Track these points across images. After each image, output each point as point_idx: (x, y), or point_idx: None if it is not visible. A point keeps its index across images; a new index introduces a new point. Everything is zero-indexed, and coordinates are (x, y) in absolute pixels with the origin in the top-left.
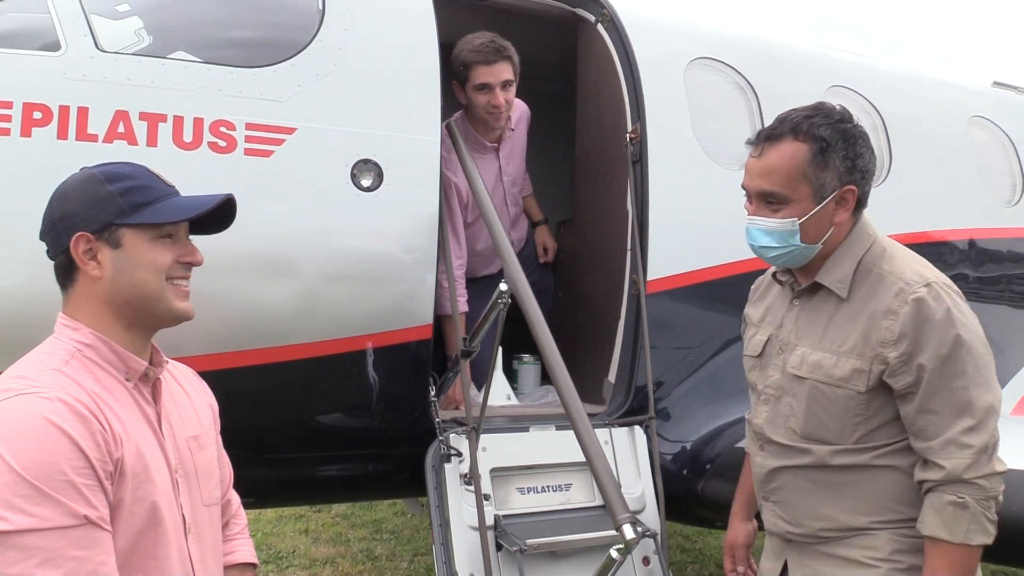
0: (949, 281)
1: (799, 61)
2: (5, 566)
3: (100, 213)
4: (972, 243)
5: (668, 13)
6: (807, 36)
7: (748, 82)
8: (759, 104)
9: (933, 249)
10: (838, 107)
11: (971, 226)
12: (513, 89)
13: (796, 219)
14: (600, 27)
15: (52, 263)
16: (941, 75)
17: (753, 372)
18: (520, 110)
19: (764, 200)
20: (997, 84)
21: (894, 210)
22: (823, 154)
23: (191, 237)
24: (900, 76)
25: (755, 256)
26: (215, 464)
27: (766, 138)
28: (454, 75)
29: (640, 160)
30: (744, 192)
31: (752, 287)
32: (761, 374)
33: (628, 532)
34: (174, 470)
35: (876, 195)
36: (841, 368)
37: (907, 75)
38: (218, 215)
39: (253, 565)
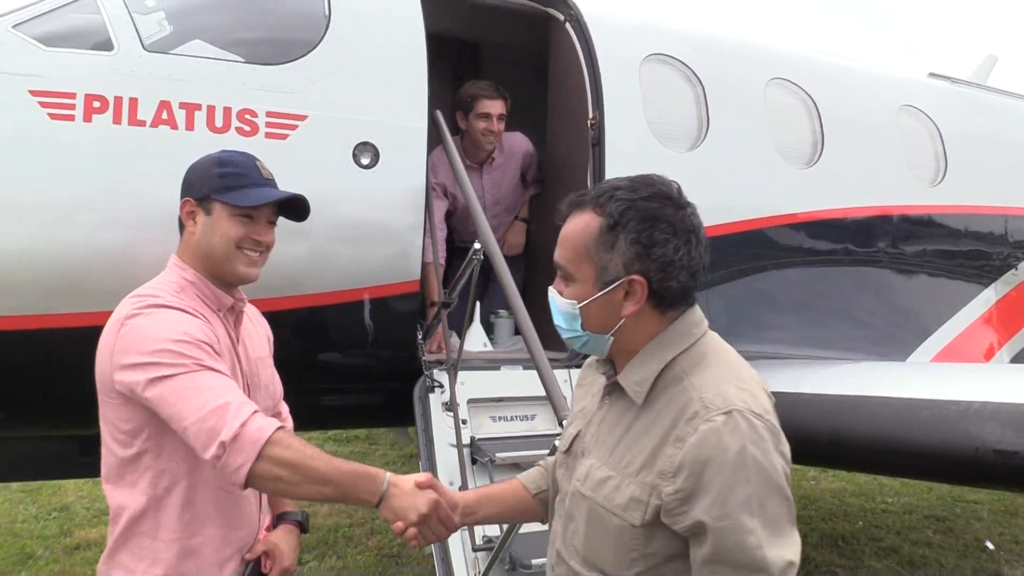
0: (765, 408)
1: (743, 55)
2: (176, 399)
3: (204, 187)
4: (896, 218)
5: (628, 12)
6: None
7: (696, 74)
8: (705, 94)
9: (859, 223)
10: (673, 184)
11: (896, 203)
12: (503, 123)
13: (576, 302)
14: (567, 25)
15: None
16: (877, 67)
17: (560, 470)
18: (523, 145)
19: (558, 272)
20: (933, 75)
21: (824, 189)
22: (610, 232)
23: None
24: (836, 68)
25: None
26: (272, 378)
27: (573, 204)
28: (458, 105)
29: (599, 143)
30: None
31: (587, 361)
32: (565, 476)
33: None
34: (247, 375)
35: (808, 176)
36: (621, 494)
37: (843, 67)
38: (297, 207)
39: None
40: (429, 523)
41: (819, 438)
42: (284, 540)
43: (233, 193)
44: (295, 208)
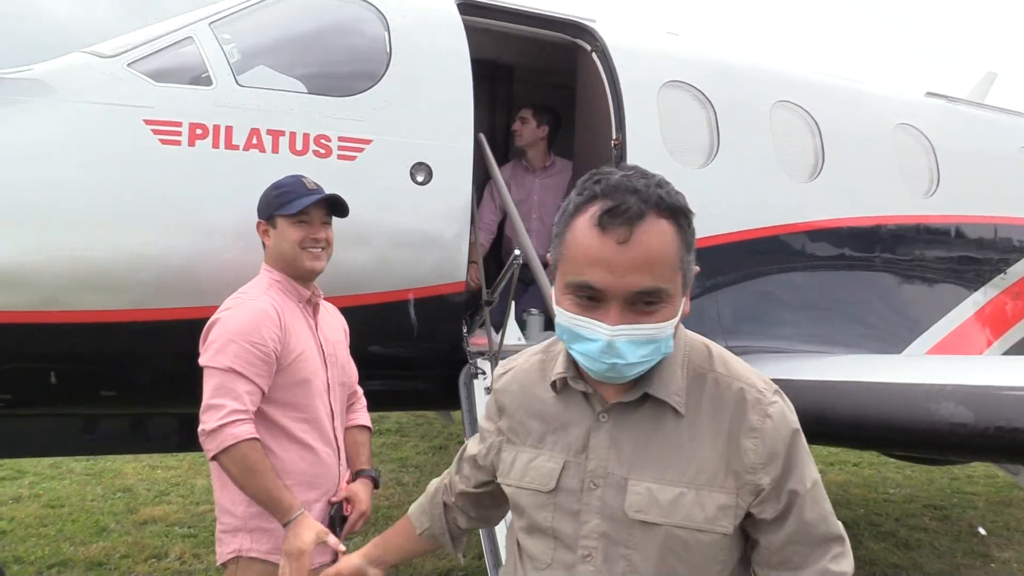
0: None
1: (750, 79)
2: (205, 386)
3: (267, 209)
4: (891, 227)
5: (648, 41)
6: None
7: (707, 98)
8: (716, 116)
9: (856, 231)
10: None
11: (891, 213)
12: (526, 125)
13: (675, 319)
14: (594, 55)
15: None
16: (876, 87)
17: (545, 513)
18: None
19: (634, 302)
20: (930, 94)
21: (823, 201)
22: (687, 230)
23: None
24: (836, 89)
25: (710, 232)
26: (347, 361)
27: (631, 217)
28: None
29: (621, 161)
30: (582, 295)
31: (500, 382)
32: (565, 519)
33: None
34: (326, 356)
35: (809, 189)
36: (705, 507)
37: (843, 88)
38: (338, 205)
39: (368, 428)
40: (301, 559)
41: (808, 417)
42: (362, 490)
43: (286, 206)
44: (338, 206)
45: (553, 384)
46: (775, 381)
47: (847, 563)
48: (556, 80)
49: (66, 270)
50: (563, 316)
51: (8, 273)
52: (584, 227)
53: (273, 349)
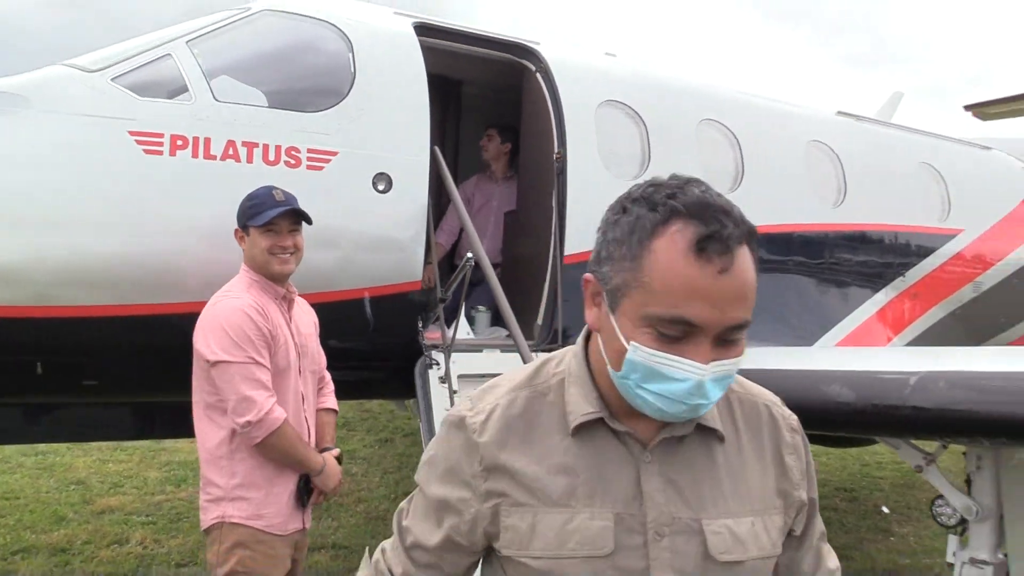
0: None
1: (679, 97)
2: (222, 385)
3: (241, 218)
4: (803, 233)
5: (588, 62)
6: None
7: (640, 116)
8: (647, 133)
9: (772, 237)
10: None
11: (803, 221)
12: (491, 141)
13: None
14: (538, 75)
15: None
16: (792, 106)
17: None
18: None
19: (723, 336)
20: (840, 113)
21: (746, 210)
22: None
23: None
24: (756, 108)
25: None
26: (317, 351)
27: (731, 244)
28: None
29: (562, 172)
30: (671, 331)
31: (485, 434)
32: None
33: None
34: (299, 346)
35: (733, 198)
36: (769, 533)
37: (762, 107)
38: (302, 214)
39: (334, 411)
40: (334, 479)
41: None
42: (336, 466)
43: (256, 217)
44: (303, 215)
45: (585, 424)
46: None
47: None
48: (503, 96)
49: (57, 268)
50: (641, 353)
51: (3, 271)
52: (675, 253)
53: (270, 335)
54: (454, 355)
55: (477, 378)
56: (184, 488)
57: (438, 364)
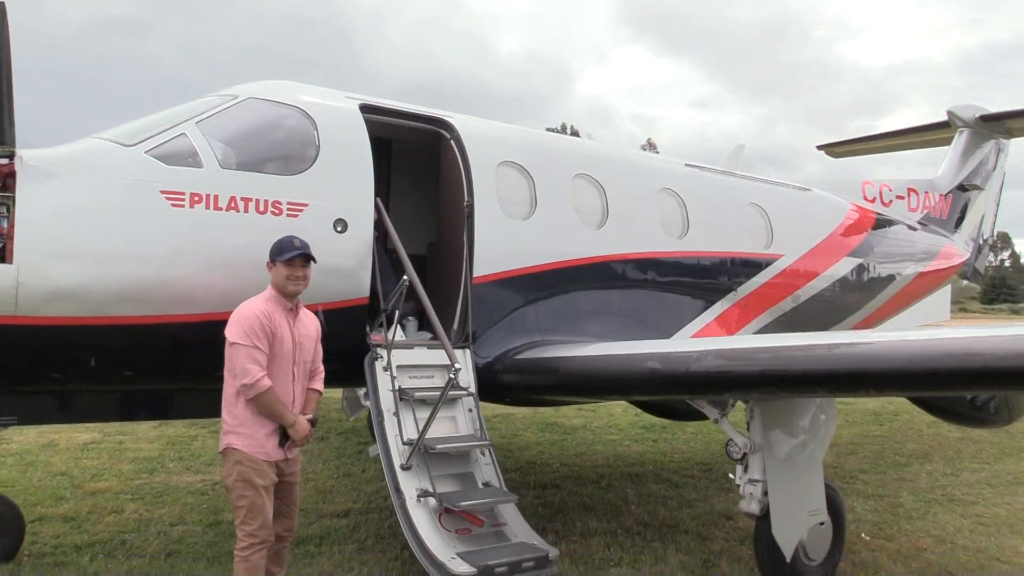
0: None
1: (558, 156)
2: (233, 358)
3: (272, 255)
4: (657, 259)
5: (489, 130)
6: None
7: (528, 172)
8: (534, 184)
9: (636, 262)
10: None
11: (655, 251)
12: None
13: None
14: (452, 141)
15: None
16: (648, 159)
17: None
18: None
19: None
20: (688, 165)
21: (608, 242)
22: None
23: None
24: (619, 161)
25: (530, 264)
26: (312, 349)
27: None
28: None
29: (470, 216)
30: None
31: None
32: None
33: (457, 361)
34: (296, 343)
35: (599, 234)
36: None
37: (623, 160)
38: (312, 257)
39: (317, 391)
40: (299, 426)
41: (582, 376)
42: (305, 424)
43: (281, 255)
44: (310, 257)
45: None
46: (576, 359)
47: None
48: (426, 155)
49: (110, 289)
50: None
51: (72, 291)
52: None
53: (270, 332)
54: (393, 351)
55: (410, 367)
56: (157, 475)
57: (381, 358)
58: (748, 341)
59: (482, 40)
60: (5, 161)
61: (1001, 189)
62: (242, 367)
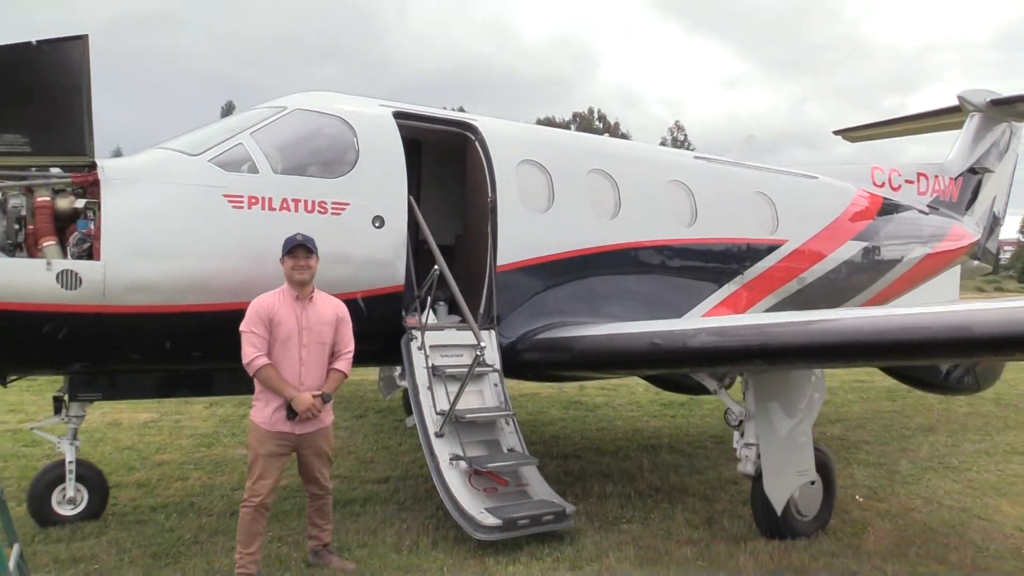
0: None
1: (573, 151)
2: (242, 339)
3: (282, 250)
4: (668, 246)
5: (510, 131)
6: None
7: (547, 169)
8: (552, 180)
9: (647, 249)
10: None
11: (664, 238)
12: None
13: None
14: (476, 143)
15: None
16: (658, 152)
17: None
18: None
19: None
20: (697, 157)
21: (622, 231)
22: None
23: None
24: (630, 157)
25: (549, 252)
26: (327, 332)
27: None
28: None
29: (494, 210)
30: None
31: None
32: None
33: (483, 341)
34: (303, 328)
35: (613, 223)
36: None
37: (635, 155)
38: (308, 247)
39: (339, 371)
40: (301, 399)
41: (605, 351)
42: (305, 398)
43: (284, 249)
44: (308, 247)
45: None
46: (588, 338)
47: None
48: (453, 155)
49: (179, 281)
50: None
51: (148, 284)
52: None
53: (269, 320)
54: (426, 333)
55: (442, 347)
56: (214, 448)
57: (416, 338)
58: (738, 319)
59: (506, 24)
60: (87, 171)
61: (1014, 170)
62: (243, 351)
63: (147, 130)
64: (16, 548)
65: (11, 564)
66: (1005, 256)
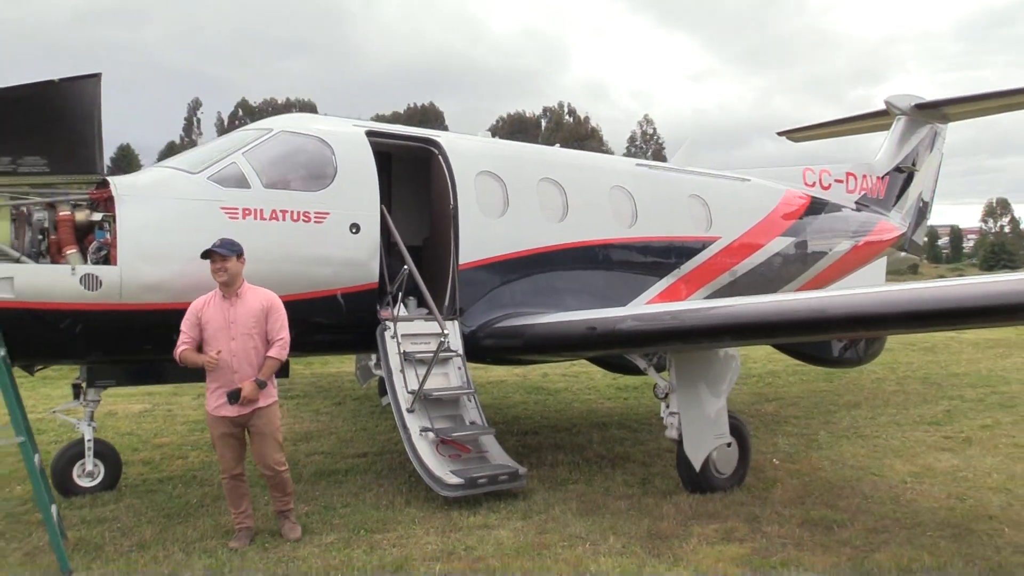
0: None
1: (525, 162)
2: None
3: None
4: (611, 245)
5: (470, 145)
6: None
7: (502, 179)
8: (507, 189)
9: (591, 249)
10: None
11: (607, 237)
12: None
13: None
14: (439, 156)
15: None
16: (603, 160)
17: None
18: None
19: None
20: (639, 164)
21: (570, 232)
22: None
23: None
24: (577, 165)
25: (505, 252)
26: (253, 323)
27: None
28: None
29: (455, 216)
30: None
31: None
32: None
33: (447, 330)
34: (229, 323)
35: (561, 226)
36: None
37: (581, 164)
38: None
39: (272, 358)
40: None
41: (544, 338)
42: (247, 385)
43: (204, 256)
44: (217, 251)
45: None
46: (536, 325)
47: None
48: (419, 165)
49: (183, 281)
50: None
51: (158, 285)
52: None
53: (197, 317)
54: (398, 324)
55: (412, 336)
56: (207, 432)
57: (389, 329)
58: (659, 307)
59: (474, 17)
60: (101, 188)
61: (939, 169)
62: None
63: (115, 126)
64: (54, 508)
65: (54, 517)
66: (968, 244)
